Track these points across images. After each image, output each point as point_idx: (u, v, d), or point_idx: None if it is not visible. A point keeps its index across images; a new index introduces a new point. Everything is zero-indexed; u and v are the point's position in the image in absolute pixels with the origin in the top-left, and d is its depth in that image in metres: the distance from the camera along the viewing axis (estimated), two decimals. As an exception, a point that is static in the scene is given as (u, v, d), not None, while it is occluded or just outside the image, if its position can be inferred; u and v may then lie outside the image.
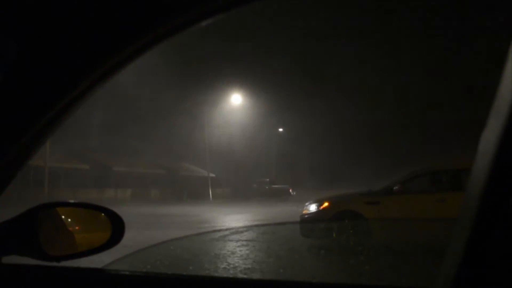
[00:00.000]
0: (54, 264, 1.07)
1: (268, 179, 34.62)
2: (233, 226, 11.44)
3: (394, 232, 7.06)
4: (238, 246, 6.13)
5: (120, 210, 1.19)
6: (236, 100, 34.07)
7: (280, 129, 44.74)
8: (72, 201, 1.22)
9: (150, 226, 10.87)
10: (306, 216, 7.68)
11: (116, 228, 1.11)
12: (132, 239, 2.69)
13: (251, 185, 34.16)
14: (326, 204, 7.55)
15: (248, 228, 10.24)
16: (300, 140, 42.65)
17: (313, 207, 7.64)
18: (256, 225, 11.31)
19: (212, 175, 35.65)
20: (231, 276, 4.20)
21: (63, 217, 1.18)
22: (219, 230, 10.09)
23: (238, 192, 33.91)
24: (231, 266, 4.77)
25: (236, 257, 5.29)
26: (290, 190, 32.34)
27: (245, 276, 4.21)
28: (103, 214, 1.14)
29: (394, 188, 7.33)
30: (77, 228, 1.22)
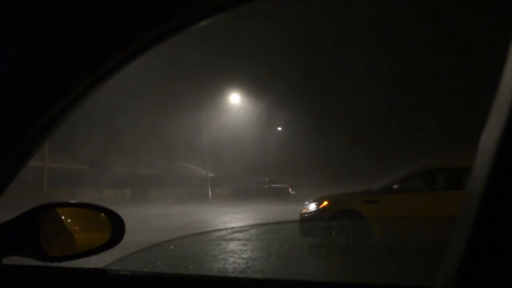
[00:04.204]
0: (55, 264, 1.07)
1: (267, 179, 34.58)
2: (233, 225, 11.44)
3: (394, 231, 7.07)
4: (238, 246, 6.14)
5: (119, 211, 1.18)
6: (234, 99, 34.05)
7: (279, 128, 44.76)
8: (72, 201, 1.21)
9: (147, 228, 10.86)
10: (305, 215, 7.69)
11: (116, 228, 1.11)
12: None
13: (251, 184, 34.12)
14: (325, 203, 7.55)
15: (248, 227, 10.24)
16: (299, 139, 42.65)
17: (312, 206, 7.64)
18: (256, 225, 11.31)
19: (211, 174, 35.63)
20: (231, 275, 4.20)
21: (63, 217, 1.18)
22: (219, 230, 10.08)
23: (238, 191, 33.85)
24: (232, 265, 4.77)
25: (236, 256, 5.29)
26: (289, 189, 32.26)
27: (245, 276, 4.21)
28: (103, 214, 1.14)
29: (393, 186, 7.34)
30: (77, 228, 1.22)
